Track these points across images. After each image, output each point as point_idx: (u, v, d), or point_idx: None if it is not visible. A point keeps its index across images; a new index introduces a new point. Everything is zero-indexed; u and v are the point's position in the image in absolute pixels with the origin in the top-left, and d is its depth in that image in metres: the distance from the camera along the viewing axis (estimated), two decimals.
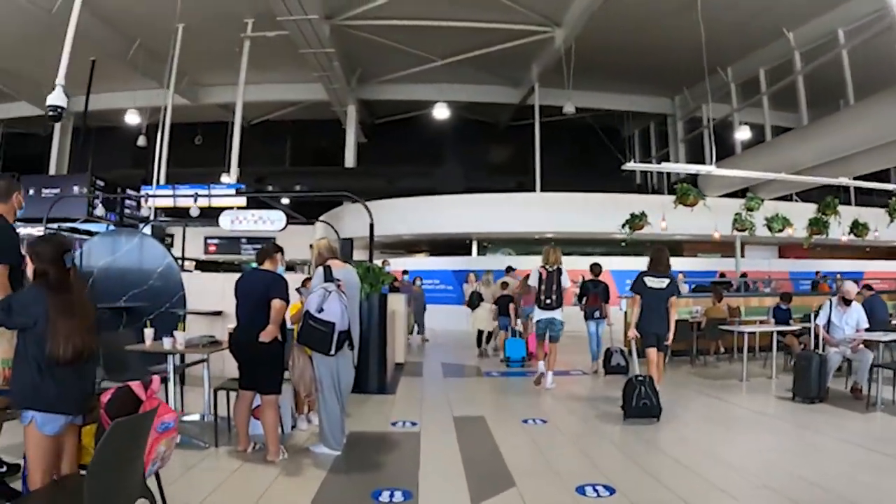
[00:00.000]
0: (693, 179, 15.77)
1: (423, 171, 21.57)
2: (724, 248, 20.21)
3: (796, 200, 17.53)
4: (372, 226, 9.44)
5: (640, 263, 15.02)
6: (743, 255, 19.86)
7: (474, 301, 12.17)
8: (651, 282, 6.79)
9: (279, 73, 18.85)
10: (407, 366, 10.35)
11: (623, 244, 20.17)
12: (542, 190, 18.12)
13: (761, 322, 9.88)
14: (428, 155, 22.92)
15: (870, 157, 13.60)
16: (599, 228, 17.20)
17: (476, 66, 18.60)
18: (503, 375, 9.78)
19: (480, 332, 12.11)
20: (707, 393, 8.07)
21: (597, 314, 9.88)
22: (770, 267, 19.81)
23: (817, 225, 13.86)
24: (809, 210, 14.70)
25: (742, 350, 8.94)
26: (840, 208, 14.33)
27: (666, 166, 12.02)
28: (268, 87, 19.65)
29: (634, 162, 24.32)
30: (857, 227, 14.53)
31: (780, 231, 13.69)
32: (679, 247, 20.46)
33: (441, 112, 20.63)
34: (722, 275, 15.02)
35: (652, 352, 6.68)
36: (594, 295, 9.94)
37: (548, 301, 8.12)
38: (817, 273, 17.44)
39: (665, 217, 13.65)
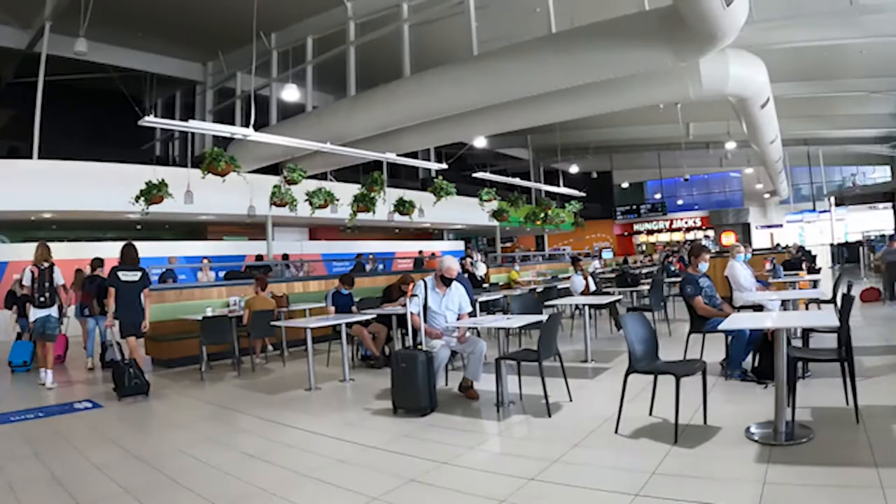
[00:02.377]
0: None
1: None
2: (252, 230, 18.61)
3: (332, 180, 16.69)
4: None
5: (161, 249, 11.72)
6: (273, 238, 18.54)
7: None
8: (124, 276, 7.44)
9: None
10: None
11: (138, 227, 16.98)
12: (43, 158, 13.57)
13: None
14: None
15: (416, 133, 13.30)
16: (114, 206, 13.65)
17: None
18: None
19: None
20: (264, 416, 5.83)
21: (87, 311, 9.51)
22: (303, 249, 18.85)
23: (363, 201, 12.90)
24: (351, 190, 13.78)
25: (306, 346, 7.01)
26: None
27: (194, 124, 9.42)
28: None
29: (158, 135, 21.23)
30: (404, 205, 14.14)
31: (323, 206, 12.25)
32: (202, 228, 18.12)
33: None
34: (259, 257, 13.15)
35: (132, 340, 7.47)
36: (87, 293, 9.48)
37: (41, 299, 7.83)
38: (359, 255, 16.87)
39: (191, 188, 10.94)
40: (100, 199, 13.55)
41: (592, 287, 11.10)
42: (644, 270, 16.62)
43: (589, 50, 8.89)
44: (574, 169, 25.94)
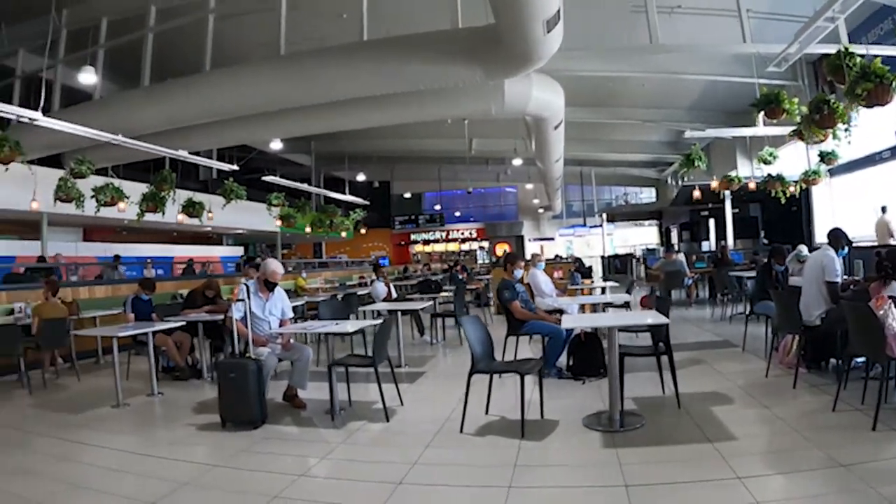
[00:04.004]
0: None
1: None
2: (23, 229, 16.60)
3: (113, 176, 15.41)
4: None
5: None
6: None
7: None
8: None
9: None
10: None
11: None
12: None
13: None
14: None
15: (208, 132, 12.66)
16: None
17: None
18: None
19: None
20: (75, 437, 5.27)
21: None
22: (78, 251, 17.13)
23: (153, 200, 12.02)
24: (137, 188, 12.80)
25: (97, 358, 6.62)
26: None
27: None
28: None
29: None
30: (193, 207, 13.39)
31: (111, 204, 11.26)
32: None
33: None
34: (42, 258, 11.73)
35: None
36: None
37: None
38: (116, 257, 15.56)
39: None
40: None
41: (395, 294, 11.39)
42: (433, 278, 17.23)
43: (402, 60, 9.07)
44: (361, 177, 26.29)
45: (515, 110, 11.47)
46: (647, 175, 27.31)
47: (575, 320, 6.09)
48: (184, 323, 7.42)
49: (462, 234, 35.89)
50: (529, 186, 29.62)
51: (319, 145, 25.03)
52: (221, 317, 7.55)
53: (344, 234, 21.98)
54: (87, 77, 11.22)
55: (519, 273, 7.36)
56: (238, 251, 25.38)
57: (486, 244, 34.85)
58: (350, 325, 6.14)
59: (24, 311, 8.28)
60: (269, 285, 6.17)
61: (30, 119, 8.90)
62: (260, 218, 19.13)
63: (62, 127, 9.64)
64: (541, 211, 33.35)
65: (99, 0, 13.05)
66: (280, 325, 6.21)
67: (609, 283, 11.57)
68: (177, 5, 12.03)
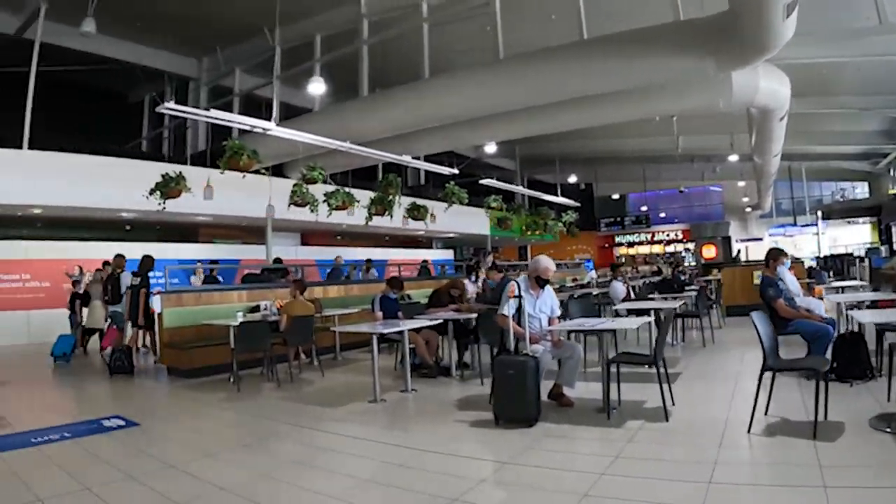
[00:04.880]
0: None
1: None
2: (246, 234, 17.85)
3: (330, 183, 16.07)
4: None
5: (148, 251, 11.06)
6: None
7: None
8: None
9: None
10: None
11: (128, 228, 16.10)
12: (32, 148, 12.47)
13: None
14: None
15: (427, 138, 12.86)
16: (110, 203, 12.90)
17: None
18: None
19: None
20: (345, 432, 5.19)
21: None
22: (297, 255, 18.10)
23: (382, 203, 12.29)
24: (360, 194, 13.17)
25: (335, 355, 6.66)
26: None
27: (217, 114, 8.72)
28: None
29: (146, 132, 20.25)
30: (418, 210, 13.60)
31: (342, 208, 11.60)
32: (194, 231, 17.27)
33: None
34: (277, 260, 12.40)
35: None
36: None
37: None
38: (368, 261, 16.06)
39: (210, 184, 10.34)
40: (95, 194, 12.61)
41: (633, 294, 10.81)
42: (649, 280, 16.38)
43: (629, 56, 8.65)
44: (573, 178, 25.96)
45: (743, 102, 10.70)
46: (857, 168, 24.81)
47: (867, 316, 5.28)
48: (439, 321, 7.30)
49: (667, 235, 34.19)
50: (741, 184, 27.42)
51: (523, 148, 24.85)
52: (471, 316, 7.54)
53: (555, 236, 21.66)
54: (317, 87, 11.72)
55: (782, 269, 6.63)
56: (447, 254, 25.71)
57: (691, 246, 32.83)
58: (630, 322, 5.87)
59: (269, 309, 8.57)
60: (540, 282, 5.85)
61: (263, 129, 9.33)
62: (471, 221, 19.25)
63: (293, 136, 10.00)
64: (748, 210, 30.90)
65: (312, 18, 13.66)
66: (549, 323, 5.83)
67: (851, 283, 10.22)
68: (387, 18, 12.32)
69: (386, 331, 6.55)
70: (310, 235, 20.03)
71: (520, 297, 5.53)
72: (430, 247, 25.50)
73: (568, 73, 9.20)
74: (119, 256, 9.84)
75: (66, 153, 12.60)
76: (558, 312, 6.00)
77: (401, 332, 6.71)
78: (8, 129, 12.51)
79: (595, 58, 8.96)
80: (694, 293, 10.98)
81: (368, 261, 15.33)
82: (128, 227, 16.24)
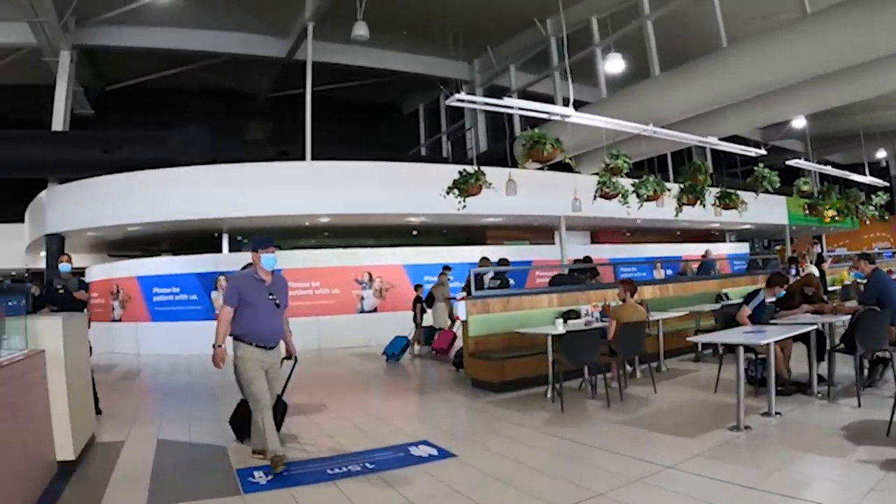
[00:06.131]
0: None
1: (158, 139, 14.69)
2: (534, 234, 17.35)
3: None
4: None
5: (436, 256, 12.15)
6: (553, 241, 17.16)
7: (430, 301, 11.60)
8: None
9: None
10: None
11: (414, 233, 16.49)
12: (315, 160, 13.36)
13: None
14: (168, 127, 17.09)
15: (732, 115, 11.41)
16: (397, 209, 13.13)
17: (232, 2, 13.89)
18: None
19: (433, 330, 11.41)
20: (702, 471, 4.03)
21: None
22: (590, 253, 17.19)
23: (693, 192, 10.86)
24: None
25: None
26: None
27: (511, 102, 8.13)
28: None
29: (423, 140, 21.06)
30: (730, 198, 11.91)
31: (653, 198, 10.38)
32: (481, 233, 17.19)
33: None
34: (587, 258, 11.64)
35: None
36: None
37: None
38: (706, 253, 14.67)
39: (512, 177, 9.87)
40: (380, 201, 12.90)
41: None
42: None
43: None
44: (881, 154, 22.40)
45: None
46: None
47: None
48: (815, 326, 6.01)
49: None
50: None
51: (812, 126, 21.43)
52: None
53: (867, 221, 18.42)
54: (615, 65, 10.80)
55: None
56: (742, 248, 22.98)
57: None
58: None
59: (591, 315, 7.68)
60: None
61: (561, 116, 8.62)
62: (766, 210, 16.95)
63: (594, 122, 9.19)
64: None
65: (583, 3, 13.00)
66: None
67: None
68: None
69: (761, 340, 5.28)
70: (600, 233, 18.98)
71: None
72: (723, 240, 22.87)
73: None
74: (484, 259, 9.90)
75: (350, 161, 13.21)
76: None
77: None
78: (291, 146, 13.43)
79: None
80: None
81: (705, 254, 13.99)
82: (414, 233, 16.60)
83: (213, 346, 4.54)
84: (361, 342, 12.73)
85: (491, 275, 9.17)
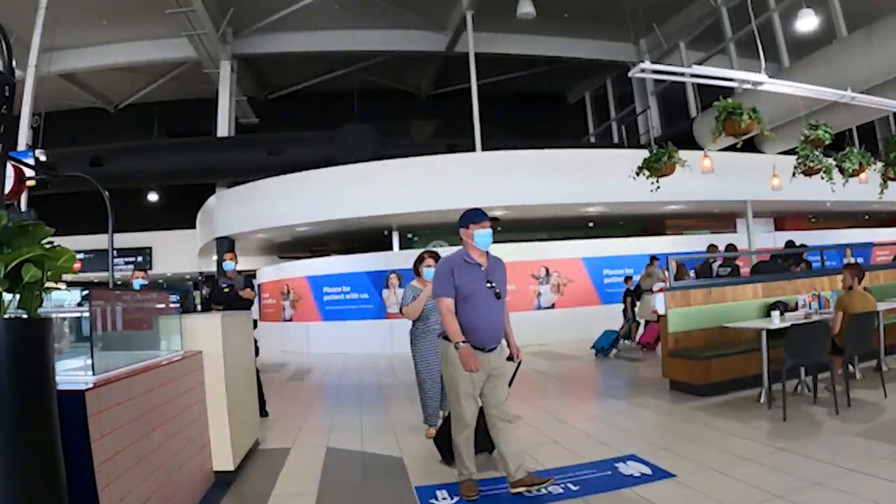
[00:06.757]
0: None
1: (324, 138, 15.32)
2: (715, 222, 16.11)
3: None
4: None
5: (616, 247, 12.79)
6: (735, 230, 15.89)
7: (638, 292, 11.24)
8: None
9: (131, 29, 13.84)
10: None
11: (590, 224, 15.77)
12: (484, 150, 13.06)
13: None
14: (332, 129, 17.66)
15: None
16: (573, 198, 12.53)
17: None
18: None
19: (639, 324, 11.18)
20: None
21: None
22: (775, 241, 15.69)
23: None
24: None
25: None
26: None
27: (699, 70, 7.34)
28: (119, 48, 14.85)
29: (592, 129, 20.31)
30: None
31: (858, 172, 9.04)
32: (660, 223, 16.19)
33: None
34: (791, 243, 10.47)
35: None
36: None
37: None
38: None
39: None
40: (554, 191, 12.36)
41: None
42: None
43: None
44: None
45: None
46: None
47: None
48: None
49: None
50: None
51: None
52: None
53: None
54: (808, 22, 9.63)
55: None
56: None
57: None
58: None
59: (809, 306, 6.73)
60: None
61: (753, 84, 7.72)
62: None
63: (789, 88, 8.15)
64: None
65: None
66: None
67: None
68: None
69: None
70: (784, 219, 17.31)
71: None
72: None
73: None
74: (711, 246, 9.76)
75: (521, 150, 12.85)
76: None
77: None
78: (460, 138, 13.14)
79: None
80: None
81: None
82: (590, 224, 15.89)
83: (454, 345, 3.80)
84: (538, 340, 11.87)
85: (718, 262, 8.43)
